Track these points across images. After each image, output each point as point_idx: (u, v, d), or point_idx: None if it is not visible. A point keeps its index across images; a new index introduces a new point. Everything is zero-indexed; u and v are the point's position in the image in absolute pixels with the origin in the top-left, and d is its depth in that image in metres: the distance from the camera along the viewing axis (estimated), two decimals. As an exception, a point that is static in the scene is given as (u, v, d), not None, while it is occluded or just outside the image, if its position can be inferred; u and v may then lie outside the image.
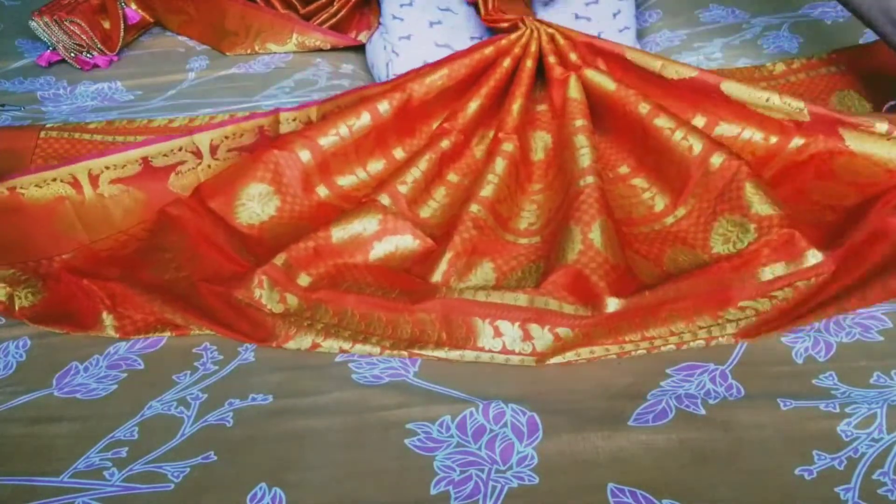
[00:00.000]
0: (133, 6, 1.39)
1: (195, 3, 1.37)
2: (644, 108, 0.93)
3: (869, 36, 1.15)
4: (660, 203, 0.90)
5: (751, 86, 0.94)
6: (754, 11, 1.26)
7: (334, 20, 1.29)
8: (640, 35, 1.24)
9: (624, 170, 0.96)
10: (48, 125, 1.11)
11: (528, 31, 1.00)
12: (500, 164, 0.91)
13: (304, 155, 0.94)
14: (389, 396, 0.71)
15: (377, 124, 0.96)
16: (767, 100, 0.92)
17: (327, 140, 0.94)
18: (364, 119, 0.95)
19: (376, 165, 0.98)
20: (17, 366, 0.78)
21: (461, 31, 1.09)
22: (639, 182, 0.94)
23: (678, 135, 0.90)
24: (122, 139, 1.10)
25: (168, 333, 0.80)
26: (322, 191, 0.95)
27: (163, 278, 0.85)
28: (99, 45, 1.30)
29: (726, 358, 0.72)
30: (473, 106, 0.97)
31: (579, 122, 0.94)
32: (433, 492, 0.62)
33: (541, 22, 1.01)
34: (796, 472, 0.61)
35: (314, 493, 0.63)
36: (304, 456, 0.66)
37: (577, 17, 1.05)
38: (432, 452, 0.65)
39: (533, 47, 1.00)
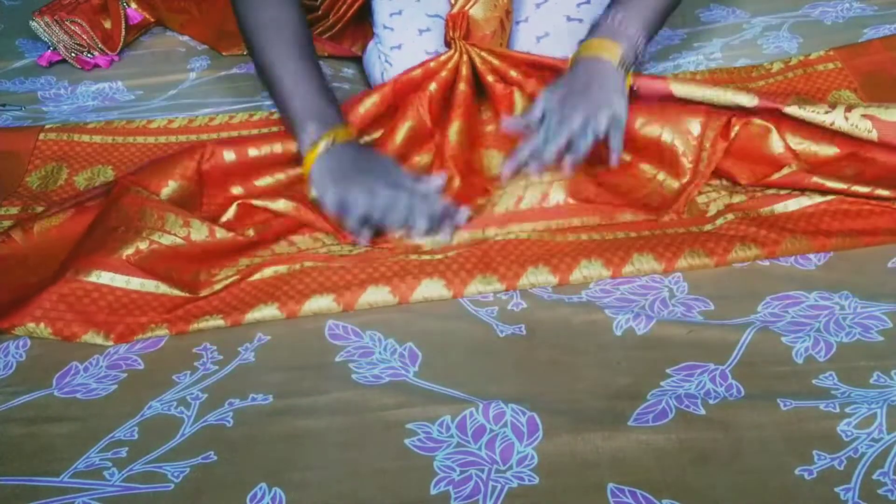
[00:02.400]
0: (134, 6, 1.39)
1: (197, 3, 1.37)
2: None
3: (868, 36, 1.15)
4: (670, 186, 0.91)
5: (698, 85, 0.93)
6: (754, 11, 1.26)
7: (330, 34, 1.29)
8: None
9: (625, 157, 0.95)
10: (47, 126, 1.12)
11: (457, 54, 0.99)
12: None
13: (229, 155, 0.94)
14: (389, 396, 0.71)
15: None
16: (715, 98, 0.92)
17: (257, 151, 0.95)
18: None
19: (297, 169, 0.96)
20: (17, 366, 0.78)
21: None
22: (646, 168, 0.94)
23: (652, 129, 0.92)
24: (122, 140, 1.10)
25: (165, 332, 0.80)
26: (237, 190, 0.95)
27: (137, 257, 0.83)
28: (100, 45, 1.30)
29: (726, 358, 0.72)
30: (400, 136, 0.96)
31: None
32: (433, 492, 0.62)
33: (472, 45, 1.00)
34: (796, 472, 0.61)
35: (314, 493, 0.63)
36: (304, 456, 0.66)
37: (569, 18, 1.04)
38: (432, 452, 0.65)
39: (464, 71, 0.98)
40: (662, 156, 0.92)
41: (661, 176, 0.92)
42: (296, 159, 0.94)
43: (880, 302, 0.76)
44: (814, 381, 0.68)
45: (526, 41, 1.05)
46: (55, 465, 0.67)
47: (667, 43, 1.23)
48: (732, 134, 0.89)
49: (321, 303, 0.81)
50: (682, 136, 0.91)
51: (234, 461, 0.66)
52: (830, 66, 1.08)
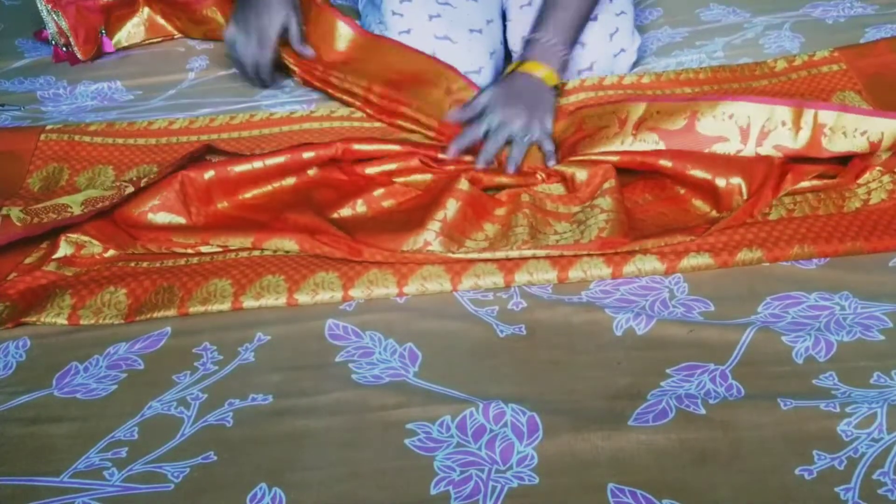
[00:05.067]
0: (156, 16, 1.36)
1: (222, 11, 1.35)
2: (666, 162, 0.91)
3: (869, 35, 1.15)
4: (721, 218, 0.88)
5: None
6: (756, 10, 1.26)
7: None
8: (640, 32, 1.24)
9: (679, 190, 0.92)
10: (48, 127, 1.11)
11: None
12: (451, 207, 0.88)
13: (208, 174, 0.95)
14: (389, 396, 0.71)
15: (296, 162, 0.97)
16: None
17: (239, 168, 0.96)
18: (285, 157, 0.97)
19: (287, 181, 0.97)
20: (17, 366, 0.79)
21: (460, 24, 1.10)
22: (699, 204, 0.91)
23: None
24: (122, 141, 1.10)
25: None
26: (222, 204, 0.96)
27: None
28: (73, 47, 1.30)
29: (726, 358, 0.72)
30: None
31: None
32: (433, 492, 0.62)
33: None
34: (796, 472, 0.61)
35: (314, 493, 0.63)
36: (304, 456, 0.66)
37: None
38: (432, 452, 0.65)
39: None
40: (717, 196, 0.89)
41: (714, 213, 0.89)
42: (280, 173, 0.97)
43: (880, 302, 0.76)
44: (814, 381, 0.68)
45: (513, 41, 1.13)
46: (55, 465, 0.67)
47: (668, 40, 1.23)
48: (783, 191, 0.86)
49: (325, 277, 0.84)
50: (738, 179, 0.88)
51: (234, 461, 0.66)
52: (835, 67, 1.07)
